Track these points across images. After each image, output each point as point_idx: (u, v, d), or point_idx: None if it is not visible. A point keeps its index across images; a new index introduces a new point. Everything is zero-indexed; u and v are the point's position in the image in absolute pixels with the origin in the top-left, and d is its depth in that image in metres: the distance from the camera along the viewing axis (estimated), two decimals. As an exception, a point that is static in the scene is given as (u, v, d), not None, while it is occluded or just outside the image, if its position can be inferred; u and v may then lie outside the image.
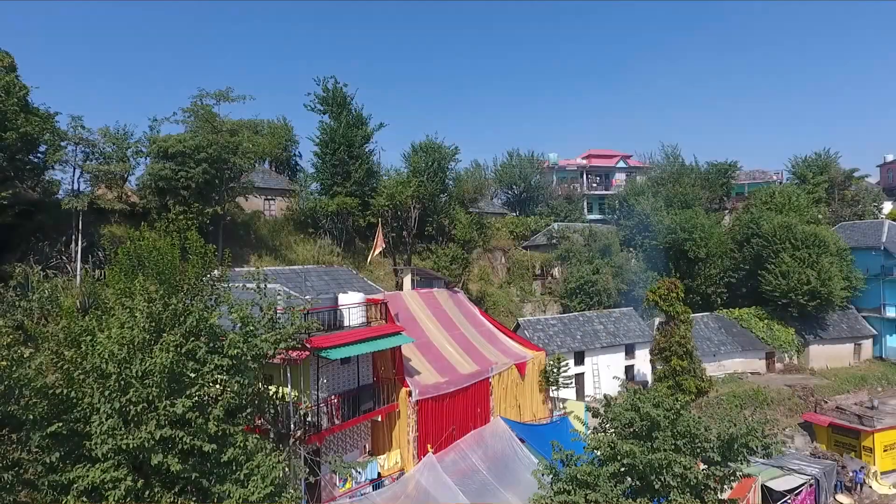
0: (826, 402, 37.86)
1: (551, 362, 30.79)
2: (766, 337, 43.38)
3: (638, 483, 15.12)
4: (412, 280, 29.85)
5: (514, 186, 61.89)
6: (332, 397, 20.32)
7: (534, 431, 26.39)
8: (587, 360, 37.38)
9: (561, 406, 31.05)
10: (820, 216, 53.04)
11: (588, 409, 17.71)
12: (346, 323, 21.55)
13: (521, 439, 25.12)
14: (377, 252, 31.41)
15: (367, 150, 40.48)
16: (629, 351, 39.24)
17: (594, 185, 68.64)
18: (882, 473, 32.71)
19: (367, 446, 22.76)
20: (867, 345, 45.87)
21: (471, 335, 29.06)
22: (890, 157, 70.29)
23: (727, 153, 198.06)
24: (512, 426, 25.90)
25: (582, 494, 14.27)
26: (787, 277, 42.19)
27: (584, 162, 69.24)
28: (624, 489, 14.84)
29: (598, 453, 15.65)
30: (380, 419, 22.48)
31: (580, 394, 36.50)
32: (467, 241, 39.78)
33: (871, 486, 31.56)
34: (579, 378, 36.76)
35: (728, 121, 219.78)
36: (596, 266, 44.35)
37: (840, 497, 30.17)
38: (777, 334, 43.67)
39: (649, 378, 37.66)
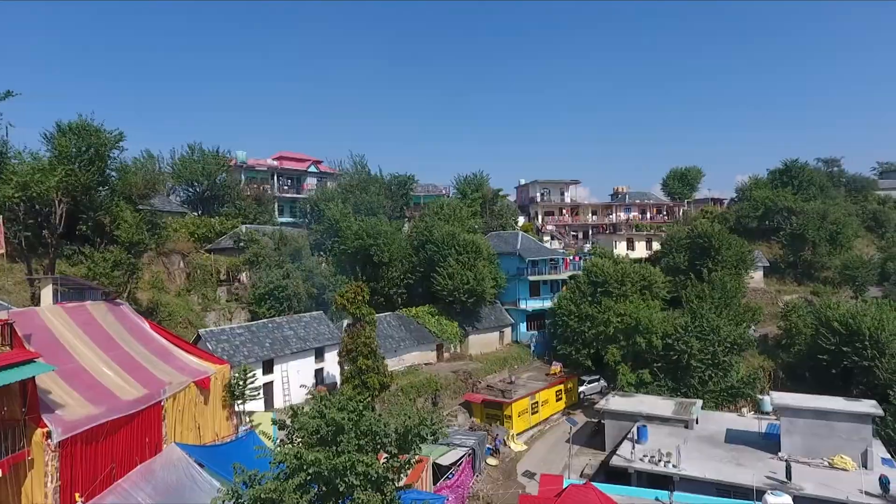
0: (480, 383, 45.16)
1: (237, 375, 28.77)
2: (437, 331, 49.45)
3: (324, 488, 15.11)
4: (55, 292, 24.01)
5: (196, 184, 56.45)
6: (-85, 458, 14.71)
7: (215, 453, 24.09)
8: (276, 367, 36.31)
9: (248, 420, 29.28)
10: (476, 226, 63.24)
11: (275, 422, 16.96)
12: (-59, 354, 15.88)
13: (200, 464, 22.66)
14: None
15: (-16, 122, 31.19)
16: (319, 354, 39.67)
17: (286, 187, 67.75)
18: (517, 434, 40.64)
19: (-23, 514, 17.22)
20: (508, 332, 56.57)
21: (138, 354, 24.92)
22: (523, 181, 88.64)
23: (406, 167, 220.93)
24: (189, 451, 23.13)
25: (266, 514, 13.51)
26: (453, 278, 48.93)
27: (276, 163, 67.70)
28: (310, 498, 14.64)
29: (285, 466, 15.10)
30: (0, 474, 17.25)
31: (269, 404, 35.19)
32: (135, 243, 34.22)
33: (509, 447, 38.87)
34: (268, 387, 35.43)
35: (407, 135, 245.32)
36: (286, 270, 43.59)
37: (489, 460, 36.27)
38: (445, 328, 50.21)
39: (338, 379, 38.73)
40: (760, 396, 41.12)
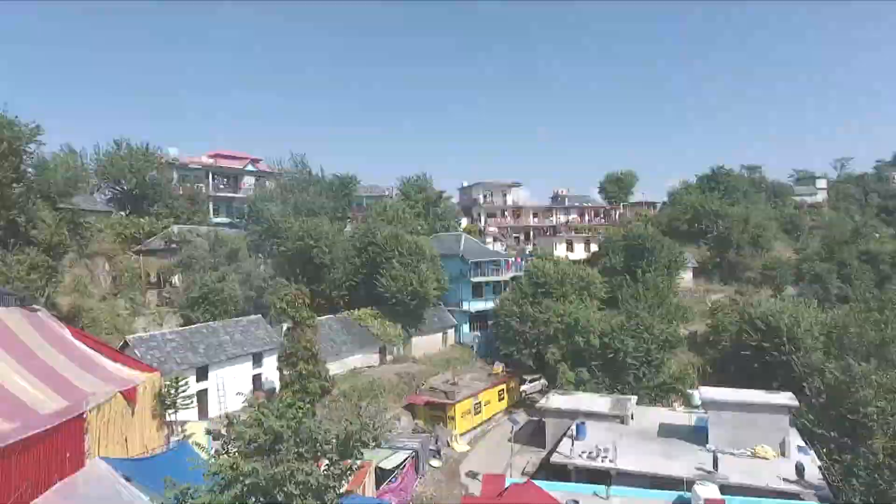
0: (423, 384, 45.06)
1: (168, 383, 27.40)
2: (380, 333, 48.93)
3: (262, 499, 14.60)
4: (-39, 297, 22.06)
5: (124, 182, 53.47)
6: None
7: (144, 466, 22.83)
8: (211, 374, 34.87)
9: (180, 430, 27.92)
10: (420, 228, 63.12)
11: (209, 432, 16.24)
12: None
13: (127, 478, 21.41)
14: None
15: None
16: (257, 359, 38.39)
17: (221, 186, 65.25)
18: (461, 435, 40.81)
19: None
20: (451, 333, 56.77)
21: (58, 364, 23.24)
22: (466, 183, 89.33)
23: (348, 167, 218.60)
24: (116, 465, 21.81)
25: (199, 529, 12.91)
26: (396, 280, 48.60)
27: (211, 161, 65.11)
28: (246, 510, 14.11)
29: (220, 478, 14.48)
30: None
31: (204, 413, 33.75)
32: (55, 244, 32.05)
33: (453, 447, 38.97)
34: (202, 395, 33.96)
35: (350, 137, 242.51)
36: (222, 273, 41.99)
37: (433, 462, 36.20)
38: (388, 330, 49.76)
39: (277, 385, 37.61)
40: (690, 391, 43.04)
